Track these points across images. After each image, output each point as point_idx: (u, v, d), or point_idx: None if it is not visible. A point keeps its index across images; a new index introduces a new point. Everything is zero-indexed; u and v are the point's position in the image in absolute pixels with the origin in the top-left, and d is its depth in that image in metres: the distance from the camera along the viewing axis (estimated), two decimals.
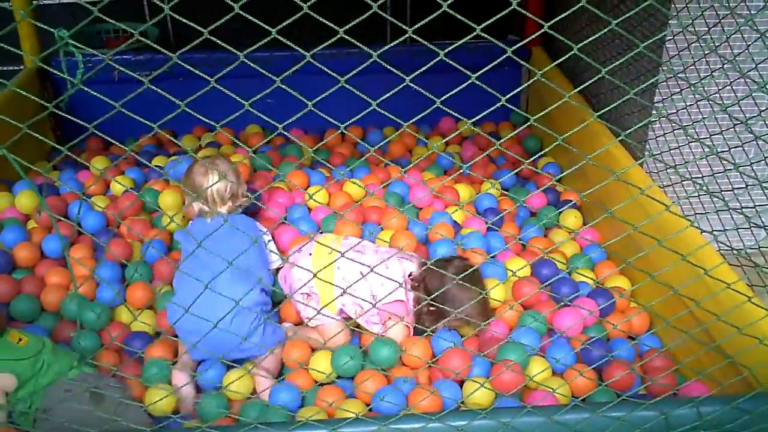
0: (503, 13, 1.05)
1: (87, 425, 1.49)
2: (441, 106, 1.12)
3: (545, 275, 2.24)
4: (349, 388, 1.90)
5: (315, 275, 1.30)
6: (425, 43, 1.14)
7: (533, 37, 1.20)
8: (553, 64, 1.21)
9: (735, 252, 1.64)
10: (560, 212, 2.58)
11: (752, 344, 1.45)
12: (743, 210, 1.90)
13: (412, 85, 1.11)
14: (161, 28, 4.12)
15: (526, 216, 2.68)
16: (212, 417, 1.77)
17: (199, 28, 0.98)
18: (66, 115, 1.18)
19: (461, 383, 1.86)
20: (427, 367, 1.94)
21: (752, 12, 2.33)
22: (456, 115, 1.25)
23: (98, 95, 1.16)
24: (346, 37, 1.02)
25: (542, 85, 1.12)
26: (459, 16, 1.03)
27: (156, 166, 2.88)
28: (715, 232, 1.81)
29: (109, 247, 2.30)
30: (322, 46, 1.12)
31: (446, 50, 1.05)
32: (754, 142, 2.50)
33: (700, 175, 2.49)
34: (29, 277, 2.23)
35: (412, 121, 1.22)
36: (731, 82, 2.38)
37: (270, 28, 1.00)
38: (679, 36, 2.38)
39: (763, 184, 1.38)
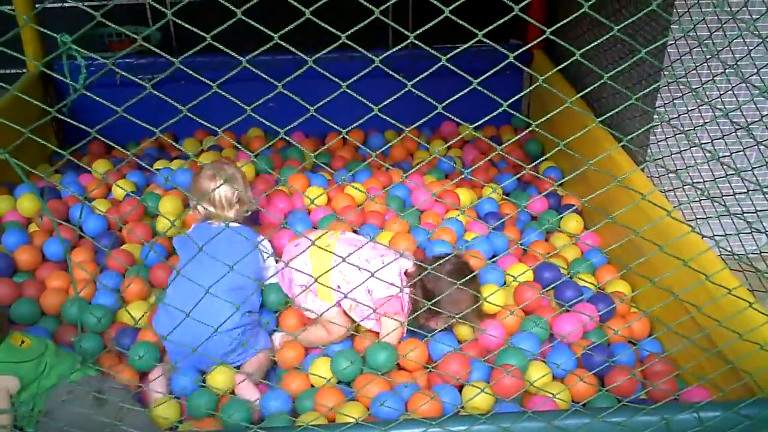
0: (505, 18, 1.05)
1: (89, 429, 1.50)
2: (443, 112, 1.12)
3: (548, 279, 2.24)
4: (348, 390, 1.90)
5: (316, 279, 1.30)
6: (427, 48, 1.14)
7: (535, 42, 1.20)
8: (554, 70, 1.21)
9: (736, 257, 1.64)
10: (561, 217, 2.58)
11: (753, 350, 1.45)
12: (744, 215, 1.90)
13: (414, 90, 1.11)
14: (163, 31, 4.13)
15: (527, 220, 2.68)
16: (200, 415, 1.78)
17: (203, 33, 0.98)
18: (70, 120, 1.19)
19: (460, 388, 1.86)
20: (425, 370, 1.94)
21: (754, 17, 2.34)
22: (457, 120, 1.26)
23: (100, 100, 1.17)
24: (349, 42, 1.02)
25: (544, 88, 1.12)
26: (461, 22, 1.03)
27: (157, 169, 2.89)
28: (716, 237, 1.81)
29: (113, 254, 2.29)
30: (324, 51, 1.12)
31: (448, 56, 1.06)
32: (756, 147, 2.50)
33: (701, 180, 2.49)
34: (30, 280, 2.23)
35: (413, 126, 1.22)
36: (733, 87, 2.38)
37: (272, 33, 1.00)
38: (681, 41, 2.38)
39: (765, 189, 1.38)
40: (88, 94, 1.13)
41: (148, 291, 2.21)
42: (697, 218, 2.34)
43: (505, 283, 2.24)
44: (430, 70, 1.16)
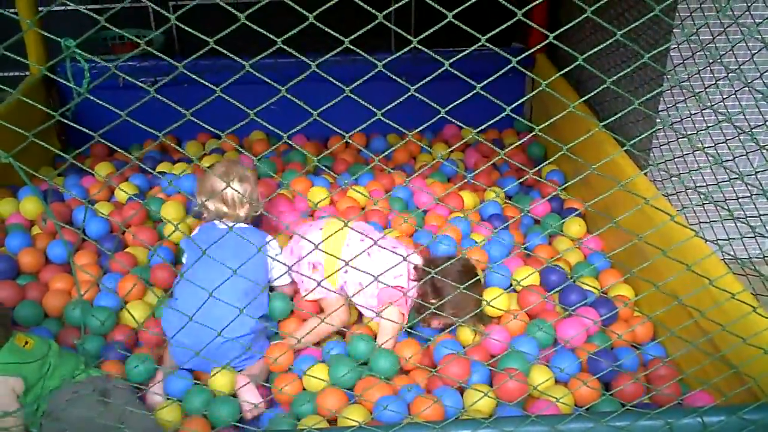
0: (508, 23, 1.05)
1: (93, 429, 1.51)
2: (446, 116, 1.12)
3: (554, 282, 2.24)
4: (350, 393, 1.90)
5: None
6: (430, 53, 1.14)
7: (538, 47, 1.20)
8: (558, 75, 1.21)
9: (740, 261, 1.64)
10: (565, 221, 2.58)
11: (757, 354, 1.44)
12: (748, 219, 1.89)
13: (416, 95, 1.11)
14: (165, 34, 4.14)
15: (530, 223, 2.68)
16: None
17: (206, 38, 0.98)
18: (72, 124, 1.19)
19: (460, 390, 1.86)
20: (425, 372, 1.94)
21: (756, 21, 2.33)
22: (459, 124, 1.26)
23: (103, 104, 1.17)
24: (351, 47, 1.02)
25: (546, 92, 1.12)
26: (464, 27, 1.03)
27: (160, 172, 2.89)
28: (720, 242, 1.81)
29: (116, 258, 2.29)
30: (327, 56, 1.12)
31: (451, 60, 1.05)
32: (759, 151, 2.50)
33: (705, 184, 2.49)
34: (33, 282, 2.23)
35: (417, 130, 1.22)
36: (736, 91, 2.37)
37: (275, 38, 1.00)
38: (684, 45, 2.38)
39: None
40: (91, 97, 1.13)
41: (149, 292, 2.21)
42: (700, 222, 2.33)
43: (510, 286, 2.24)
44: (434, 75, 1.16)
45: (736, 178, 1.41)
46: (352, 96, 1.09)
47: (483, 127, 1.27)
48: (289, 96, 1.09)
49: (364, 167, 3.03)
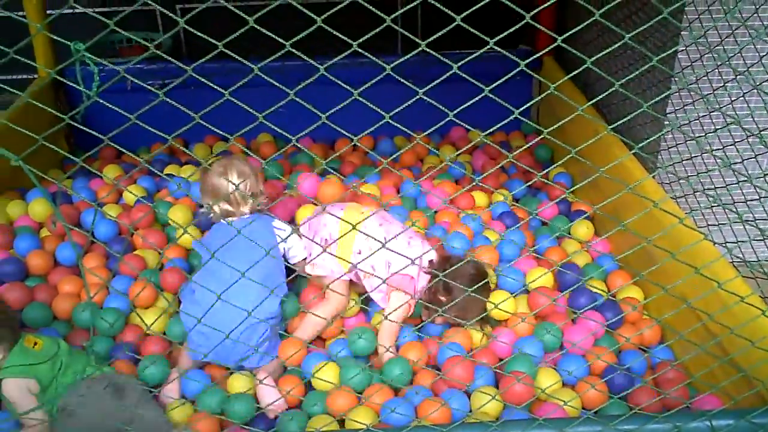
0: (516, 26, 1.05)
1: (106, 423, 1.52)
2: (454, 119, 1.12)
3: (570, 281, 2.23)
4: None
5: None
6: (438, 56, 1.14)
7: (546, 50, 1.20)
8: (566, 78, 1.21)
9: (749, 265, 1.63)
10: (573, 224, 2.57)
11: (766, 358, 1.44)
12: (757, 222, 1.89)
13: (425, 98, 1.11)
14: (173, 36, 4.15)
15: (538, 225, 2.68)
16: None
17: (214, 41, 0.99)
18: (81, 127, 1.19)
19: (465, 392, 1.86)
20: (428, 372, 1.95)
21: (765, 23, 2.33)
22: (467, 126, 1.26)
23: (112, 106, 1.17)
24: (360, 50, 1.02)
25: (554, 94, 1.12)
26: (472, 30, 1.03)
27: (168, 174, 2.90)
28: (728, 245, 1.80)
29: (125, 260, 2.30)
30: (335, 60, 1.12)
31: (459, 63, 1.05)
32: None
33: (713, 187, 2.48)
34: (42, 284, 2.24)
35: (425, 134, 1.22)
36: (744, 93, 2.37)
37: (283, 41, 1.00)
38: (692, 47, 2.37)
39: None
40: (101, 100, 1.13)
41: (158, 296, 2.22)
42: (708, 225, 2.32)
43: (524, 287, 2.23)
44: (442, 78, 1.16)
45: (745, 181, 1.40)
46: (360, 99, 1.09)
47: (491, 130, 1.27)
48: (297, 99, 1.09)
49: (370, 169, 3.03)
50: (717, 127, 2.42)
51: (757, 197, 2.15)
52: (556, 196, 2.79)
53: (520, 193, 2.90)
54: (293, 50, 1.01)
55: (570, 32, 1.05)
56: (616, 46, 1.05)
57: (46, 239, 2.42)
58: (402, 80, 1.19)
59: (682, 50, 2.40)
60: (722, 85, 2.36)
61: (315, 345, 2.09)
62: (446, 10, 1.02)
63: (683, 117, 2.48)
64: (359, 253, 2.11)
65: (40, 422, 1.63)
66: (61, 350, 1.75)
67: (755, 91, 2.37)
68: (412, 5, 1.06)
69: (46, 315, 2.12)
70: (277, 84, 1.16)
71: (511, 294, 2.17)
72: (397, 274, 2.03)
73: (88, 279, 2.24)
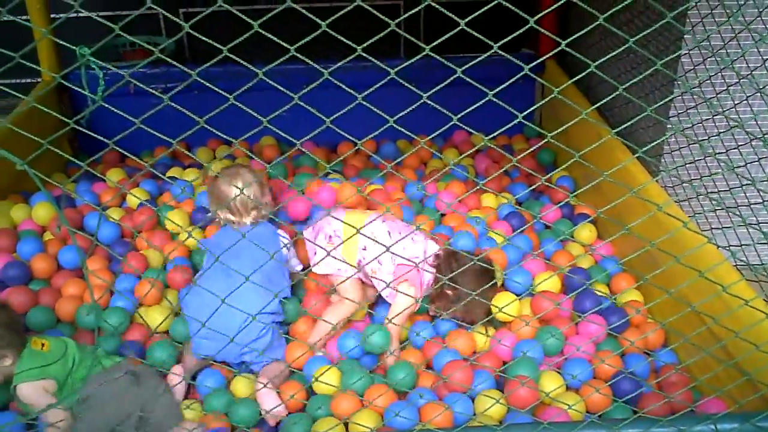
0: (520, 31, 1.05)
1: (124, 410, 1.59)
2: (458, 123, 1.12)
3: (576, 286, 2.22)
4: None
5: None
6: (442, 60, 1.14)
7: (550, 55, 1.20)
8: (569, 82, 1.21)
9: (752, 268, 1.63)
10: (577, 227, 2.57)
11: None
12: (760, 225, 1.89)
13: (428, 102, 1.11)
14: (175, 40, 4.15)
15: (541, 228, 2.68)
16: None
17: (219, 45, 0.99)
18: (85, 130, 1.20)
19: (470, 396, 1.86)
20: (428, 375, 1.96)
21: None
22: (470, 130, 1.26)
23: (117, 110, 1.18)
24: (364, 54, 1.02)
25: (556, 97, 1.12)
26: (476, 34, 1.04)
27: (170, 178, 2.90)
28: (732, 248, 1.80)
29: (127, 260, 2.31)
30: (339, 64, 1.13)
31: (464, 67, 1.06)
32: None
33: (716, 190, 2.48)
34: (46, 288, 2.25)
35: (429, 137, 1.22)
36: (747, 97, 2.37)
37: (288, 46, 1.00)
38: (694, 50, 2.37)
39: None
40: (106, 105, 1.13)
41: (162, 296, 2.25)
42: (712, 228, 2.32)
43: (531, 288, 2.23)
44: (446, 82, 1.16)
45: (749, 184, 1.41)
46: (364, 103, 1.09)
47: (496, 134, 1.27)
48: (301, 103, 1.09)
49: (374, 172, 3.04)
50: (720, 130, 2.42)
51: (761, 200, 2.15)
52: (559, 200, 2.78)
53: (523, 196, 2.90)
54: (298, 54, 1.01)
55: (574, 36, 1.05)
56: (621, 50, 1.05)
57: (50, 243, 2.43)
58: (406, 84, 1.19)
59: (685, 54, 2.40)
60: (725, 88, 2.36)
61: (322, 348, 2.10)
62: (450, 15, 1.02)
63: (686, 120, 2.48)
64: (365, 249, 2.13)
65: (62, 419, 1.65)
66: (70, 347, 1.78)
67: (758, 94, 2.37)
68: (415, 10, 1.07)
69: (49, 318, 2.12)
70: (282, 88, 1.17)
71: (518, 296, 2.17)
72: (402, 264, 2.07)
73: (91, 282, 2.24)
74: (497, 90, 1.12)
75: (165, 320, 2.09)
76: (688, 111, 2.46)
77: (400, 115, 1.14)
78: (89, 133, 1.17)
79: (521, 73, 1.10)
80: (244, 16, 1.02)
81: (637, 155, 1.12)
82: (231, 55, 1.00)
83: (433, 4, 0.97)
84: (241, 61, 1.10)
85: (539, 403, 1.84)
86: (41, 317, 2.10)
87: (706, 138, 2.45)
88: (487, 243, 2.45)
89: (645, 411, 1.61)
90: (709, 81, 2.39)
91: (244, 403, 1.84)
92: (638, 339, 1.99)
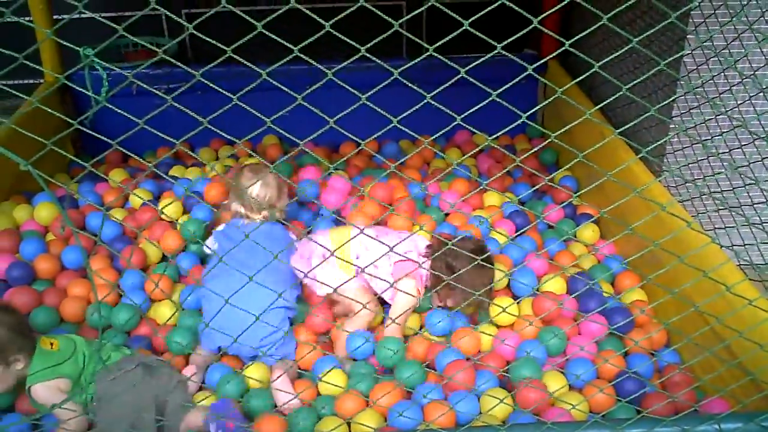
0: (523, 32, 1.05)
1: (139, 402, 1.62)
2: (462, 123, 1.12)
3: (581, 287, 2.22)
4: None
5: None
6: (445, 60, 1.14)
7: (553, 55, 1.20)
8: (573, 82, 1.21)
9: (756, 268, 1.63)
10: (580, 227, 2.57)
11: None
12: (764, 225, 1.89)
13: (432, 102, 1.11)
14: (178, 41, 4.16)
15: (543, 228, 2.68)
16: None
17: (223, 46, 0.99)
18: (88, 131, 1.20)
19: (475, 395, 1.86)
20: (431, 374, 1.97)
21: None
22: (473, 130, 1.26)
23: (120, 111, 1.18)
24: (367, 54, 1.02)
25: (559, 96, 1.12)
26: (480, 35, 1.04)
27: (172, 176, 2.91)
28: (735, 248, 1.80)
29: (129, 257, 2.32)
30: (343, 65, 1.13)
31: (467, 68, 1.06)
32: None
33: (720, 190, 2.47)
34: (50, 288, 2.25)
35: (432, 138, 1.22)
36: (750, 96, 2.36)
37: (292, 47, 1.00)
38: (697, 50, 2.37)
39: None
40: (110, 105, 1.14)
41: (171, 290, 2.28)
42: (715, 228, 2.32)
43: (536, 288, 2.23)
44: (450, 82, 1.17)
45: (752, 184, 1.40)
46: (368, 103, 1.09)
47: (499, 134, 1.27)
48: (305, 103, 1.09)
49: (377, 172, 3.04)
50: (723, 130, 2.41)
51: (764, 200, 2.14)
52: (562, 200, 2.78)
53: (526, 196, 2.90)
54: (301, 55, 1.01)
55: (577, 36, 1.05)
56: (625, 49, 1.05)
57: (52, 243, 2.43)
58: (409, 84, 1.19)
59: (688, 54, 2.40)
60: (728, 88, 2.36)
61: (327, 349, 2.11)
62: (454, 15, 1.02)
63: (689, 120, 2.48)
64: (358, 258, 2.13)
65: (76, 416, 1.66)
66: (79, 344, 1.79)
67: (762, 94, 2.37)
68: (419, 11, 1.07)
69: (53, 318, 2.13)
70: (285, 88, 1.16)
71: (517, 298, 2.18)
72: (399, 262, 2.07)
73: (96, 281, 2.25)
74: (501, 90, 1.12)
75: (173, 316, 2.14)
76: (691, 111, 2.46)
77: (404, 115, 1.14)
78: (93, 133, 1.17)
79: (525, 74, 1.10)
80: (247, 17, 1.03)
81: (640, 155, 1.11)
82: (235, 56, 1.00)
83: (436, 4, 0.97)
84: (246, 62, 1.10)
85: (543, 403, 1.84)
86: (45, 317, 2.11)
87: (709, 138, 2.45)
88: (489, 244, 2.44)
89: (648, 411, 1.61)
90: (712, 81, 2.39)
91: (257, 393, 1.86)
92: (642, 339, 1.99)
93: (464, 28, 0.99)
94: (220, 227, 2.36)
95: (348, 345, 2.04)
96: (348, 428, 1.77)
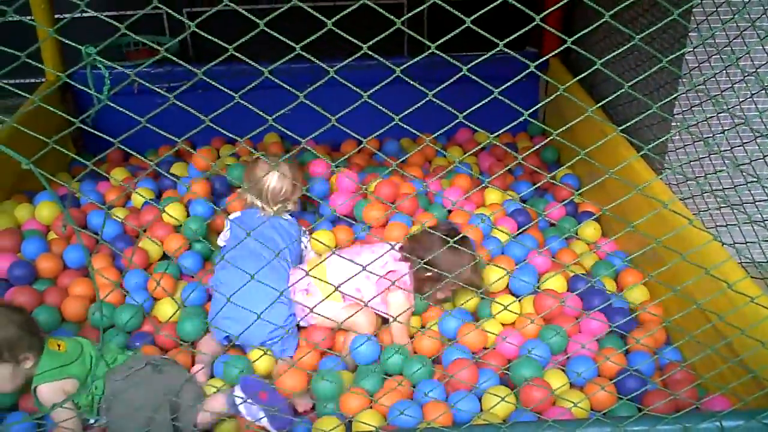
0: (525, 29, 1.05)
1: (151, 400, 1.63)
2: (463, 121, 1.12)
3: (582, 285, 2.22)
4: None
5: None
6: (447, 58, 1.14)
7: (555, 52, 1.20)
8: (574, 80, 1.21)
9: (758, 266, 1.63)
10: (581, 225, 2.57)
11: None
12: (766, 223, 1.89)
13: (434, 100, 1.11)
14: (179, 40, 4.16)
15: (545, 226, 2.68)
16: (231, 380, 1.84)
17: (224, 44, 0.99)
18: (90, 129, 1.20)
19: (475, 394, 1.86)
20: (436, 371, 1.97)
21: None
22: (474, 127, 1.26)
23: (122, 109, 1.18)
24: (369, 52, 1.02)
25: (560, 94, 1.12)
26: (482, 32, 1.04)
27: (172, 174, 2.91)
28: (737, 246, 1.80)
29: (131, 256, 2.32)
30: (345, 62, 1.13)
31: (469, 65, 1.06)
32: None
33: (721, 188, 2.47)
34: (52, 287, 2.25)
35: (434, 135, 1.22)
36: (753, 94, 2.36)
37: (294, 44, 1.00)
38: (699, 48, 2.37)
39: None
40: (112, 104, 1.14)
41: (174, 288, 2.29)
42: (717, 226, 2.32)
43: (537, 286, 2.23)
44: (452, 80, 1.16)
45: (754, 182, 1.40)
46: (369, 101, 1.09)
47: (501, 132, 1.27)
48: (307, 102, 1.10)
49: (380, 169, 3.04)
50: (725, 127, 2.41)
51: (766, 197, 2.14)
52: (563, 197, 2.78)
53: (527, 194, 2.90)
54: (303, 53, 1.01)
55: (579, 34, 1.05)
56: (627, 47, 1.05)
57: (54, 242, 2.43)
58: (411, 82, 1.19)
59: (690, 51, 2.40)
60: (730, 86, 2.35)
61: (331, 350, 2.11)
62: (456, 13, 1.02)
63: (691, 118, 2.47)
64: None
65: (73, 416, 1.67)
66: (86, 346, 1.79)
67: (764, 91, 2.36)
68: (421, 8, 1.07)
69: (54, 318, 2.13)
70: (287, 86, 1.17)
71: (522, 295, 2.17)
72: (381, 278, 2.05)
73: (98, 280, 2.25)
74: (502, 88, 1.12)
75: (175, 313, 2.15)
76: (693, 108, 2.46)
77: (406, 113, 1.14)
78: (94, 131, 1.17)
79: (527, 71, 1.10)
80: (250, 15, 1.03)
81: (642, 153, 1.11)
82: (237, 54, 1.00)
83: (438, 1, 0.97)
84: (248, 60, 1.10)
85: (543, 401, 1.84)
86: (47, 317, 2.10)
87: (711, 135, 2.45)
88: (491, 243, 2.44)
89: (650, 408, 1.61)
90: (713, 78, 2.39)
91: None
92: (645, 336, 1.98)
93: (466, 25, 0.99)
94: (236, 214, 2.39)
95: (352, 345, 2.03)
96: (349, 427, 1.78)
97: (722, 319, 1.40)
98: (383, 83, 1.17)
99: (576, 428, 1.33)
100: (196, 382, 1.82)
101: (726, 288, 1.33)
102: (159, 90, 1.16)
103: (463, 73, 1.06)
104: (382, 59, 1.16)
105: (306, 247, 2.36)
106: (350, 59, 1.15)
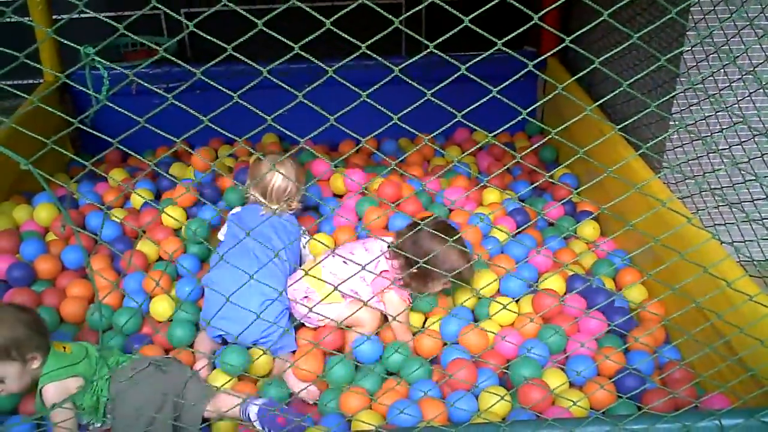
0: (523, 28, 1.05)
1: (156, 399, 1.64)
2: (462, 120, 1.12)
3: (580, 282, 2.23)
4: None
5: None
6: (446, 57, 1.14)
7: (554, 51, 1.20)
8: (573, 79, 1.21)
9: (756, 264, 1.63)
10: (580, 224, 2.57)
11: None
12: (764, 221, 1.89)
13: (432, 99, 1.11)
14: (177, 40, 4.15)
15: (544, 226, 2.68)
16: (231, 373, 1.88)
17: (223, 44, 0.99)
18: (88, 130, 1.20)
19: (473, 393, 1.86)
20: (435, 371, 1.97)
21: None
22: (473, 126, 1.26)
23: (121, 110, 1.18)
24: (367, 51, 1.02)
25: (558, 93, 1.12)
26: (481, 31, 1.04)
27: (171, 175, 2.90)
28: (735, 244, 1.80)
29: (131, 258, 2.32)
30: (344, 62, 1.13)
31: (468, 64, 1.06)
32: None
33: (720, 186, 2.47)
34: (50, 289, 2.25)
35: (432, 135, 1.22)
36: (750, 92, 2.36)
37: (292, 44, 1.00)
38: (697, 46, 2.37)
39: None
40: (110, 104, 1.14)
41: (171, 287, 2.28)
42: (715, 225, 2.32)
43: (536, 284, 2.23)
44: (450, 79, 1.16)
45: (752, 180, 1.40)
46: (368, 101, 1.09)
47: (499, 131, 1.27)
48: (306, 102, 1.09)
49: (378, 169, 3.05)
50: (723, 126, 2.41)
51: (765, 196, 2.14)
52: (562, 197, 2.78)
53: (526, 194, 2.90)
54: (302, 53, 1.01)
55: (577, 33, 1.05)
56: (625, 46, 1.05)
57: (52, 243, 2.43)
58: (409, 81, 1.19)
59: (688, 50, 2.40)
60: (728, 84, 2.35)
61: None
62: (455, 12, 1.02)
63: (689, 117, 2.48)
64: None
65: (71, 417, 1.67)
66: (90, 349, 1.80)
67: (762, 90, 2.37)
68: (419, 8, 1.07)
69: (53, 319, 2.12)
70: (286, 86, 1.17)
71: (520, 294, 2.17)
72: (376, 277, 2.05)
73: (97, 281, 2.25)
74: (500, 87, 1.12)
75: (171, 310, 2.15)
76: (691, 107, 2.46)
77: (404, 112, 1.14)
78: (94, 132, 1.17)
79: (525, 70, 1.10)
80: (248, 15, 1.03)
81: (640, 152, 1.11)
82: (236, 54, 1.00)
83: (437, 0, 0.97)
84: (247, 60, 1.10)
85: (543, 400, 1.84)
86: (45, 318, 2.09)
87: (710, 134, 2.45)
88: (490, 242, 2.44)
89: (649, 407, 1.61)
90: (712, 77, 2.39)
91: (273, 383, 1.89)
92: (644, 335, 1.98)
93: (464, 24, 0.99)
94: (237, 209, 2.40)
95: (354, 344, 2.04)
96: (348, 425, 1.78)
97: (721, 317, 1.40)
98: (381, 83, 1.17)
99: (575, 427, 1.33)
100: (200, 379, 1.83)
101: (725, 286, 1.33)
102: (157, 90, 1.16)
103: (461, 72, 1.06)
104: (380, 59, 1.16)
105: (305, 247, 2.35)
106: (348, 59, 1.15)
